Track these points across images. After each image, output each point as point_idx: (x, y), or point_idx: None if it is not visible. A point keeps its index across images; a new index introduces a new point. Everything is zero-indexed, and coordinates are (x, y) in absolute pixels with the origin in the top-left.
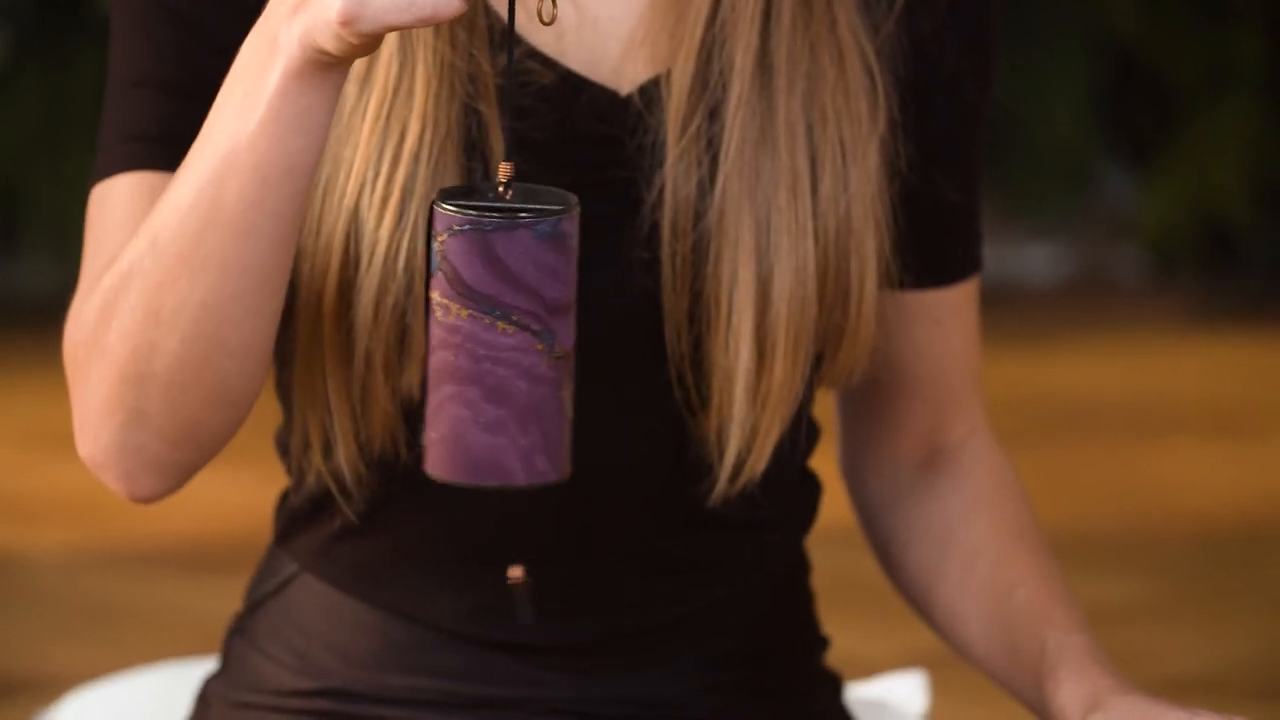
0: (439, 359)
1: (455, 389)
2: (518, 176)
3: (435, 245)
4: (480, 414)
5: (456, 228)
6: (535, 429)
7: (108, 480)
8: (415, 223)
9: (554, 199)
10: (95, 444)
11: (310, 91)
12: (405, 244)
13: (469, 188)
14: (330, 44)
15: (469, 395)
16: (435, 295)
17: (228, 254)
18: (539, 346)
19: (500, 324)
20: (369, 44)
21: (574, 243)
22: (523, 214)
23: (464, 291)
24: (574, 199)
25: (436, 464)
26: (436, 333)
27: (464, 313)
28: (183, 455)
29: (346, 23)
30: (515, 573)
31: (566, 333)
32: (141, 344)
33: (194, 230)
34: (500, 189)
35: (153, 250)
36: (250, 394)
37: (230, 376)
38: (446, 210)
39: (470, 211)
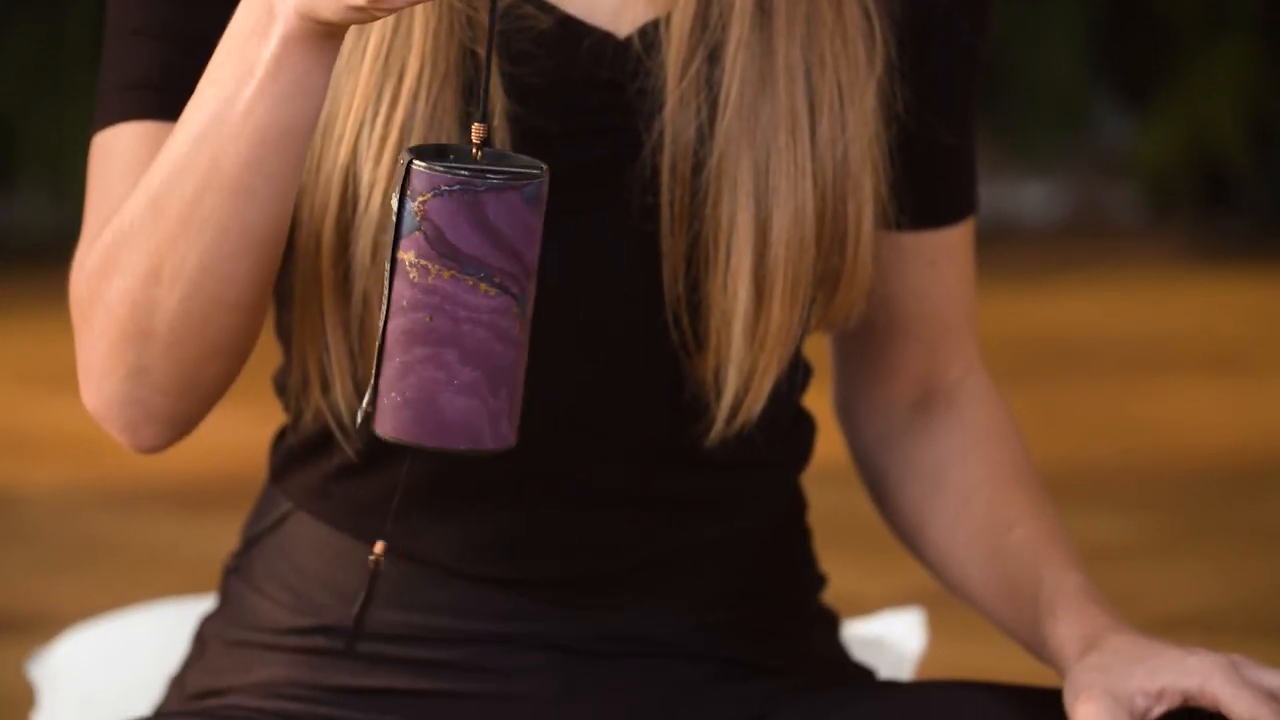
0: (410, 320)
1: (429, 351)
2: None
3: (413, 205)
4: (455, 376)
5: (444, 188)
6: (505, 392)
7: (112, 431)
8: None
9: (522, 164)
10: (99, 397)
11: (307, 58)
12: None
13: (439, 147)
14: (332, 14)
15: (445, 358)
16: (409, 256)
17: (226, 215)
18: (514, 309)
19: (483, 285)
20: (379, 16)
21: (545, 208)
22: (502, 176)
23: (447, 252)
24: (543, 165)
25: (400, 426)
26: (408, 294)
27: (445, 274)
28: (184, 407)
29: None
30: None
31: (532, 297)
32: (141, 301)
33: (192, 192)
34: (475, 151)
35: (151, 210)
36: (249, 344)
37: (230, 331)
38: (431, 170)
39: (462, 171)
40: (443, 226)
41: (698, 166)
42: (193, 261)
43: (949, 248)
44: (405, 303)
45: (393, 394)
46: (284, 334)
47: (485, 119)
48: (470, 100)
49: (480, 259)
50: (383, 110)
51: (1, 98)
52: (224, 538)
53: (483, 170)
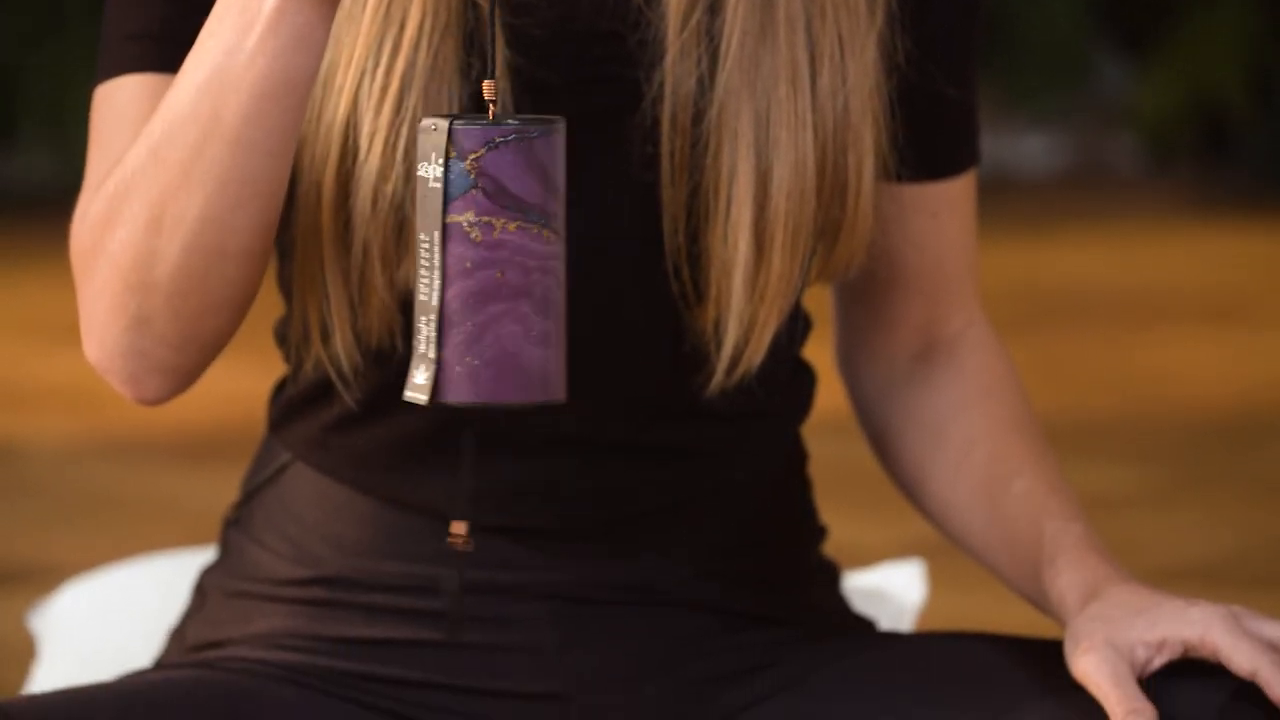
0: (478, 281)
1: (505, 306)
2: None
3: (463, 165)
4: (531, 328)
5: (499, 139)
6: (563, 338)
7: (114, 383)
8: (415, 112)
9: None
10: (101, 349)
11: (308, 9)
12: (404, 133)
13: (454, 116)
14: None
15: (521, 310)
16: (469, 216)
17: (226, 166)
18: (562, 252)
19: (545, 232)
20: None
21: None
22: (541, 122)
23: (511, 204)
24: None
25: (481, 389)
26: (471, 255)
27: (511, 225)
28: (186, 359)
29: None
30: (458, 529)
31: None
32: (143, 253)
33: (193, 143)
34: (491, 108)
35: (153, 160)
36: (250, 296)
37: (231, 282)
38: (480, 126)
39: (509, 122)
40: (502, 179)
41: (698, 117)
42: (194, 212)
43: (950, 199)
44: (468, 264)
45: (467, 359)
46: (284, 285)
47: (492, 75)
48: (471, 50)
49: (541, 206)
50: (383, 60)
51: (3, 51)
52: (224, 489)
53: (523, 120)
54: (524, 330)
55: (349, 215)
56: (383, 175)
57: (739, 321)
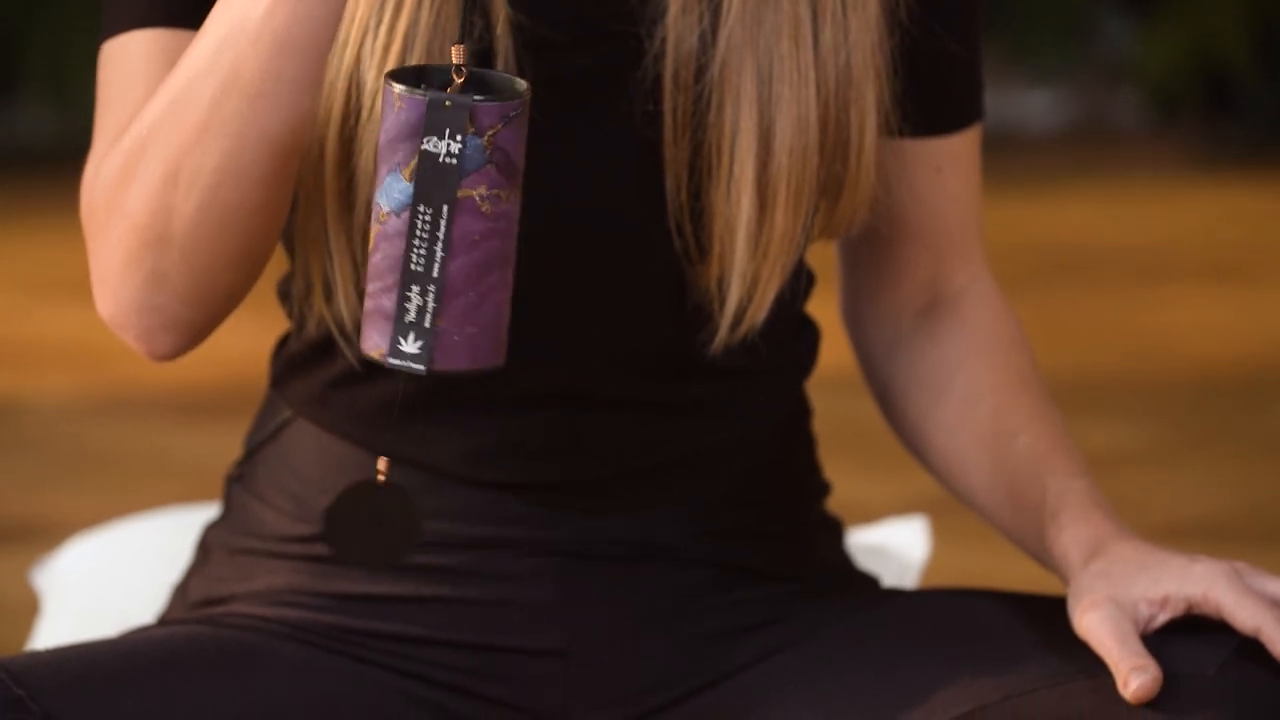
0: (483, 252)
1: (499, 275)
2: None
3: (481, 141)
4: (509, 292)
5: (512, 114)
6: None
7: (127, 339)
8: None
9: (501, 78)
10: (115, 304)
11: None
12: (386, 91)
13: (418, 69)
14: None
15: (507, 276)
16: (479, 190)
17: (244, 120)
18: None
19: (520, 195)
20: None
21: None
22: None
23: (514, 175)
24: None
25: (476, 356)
26: (479, 227)
27: (512, 196)
28: (201, 314)
29: None
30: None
31: None
32: (160, 207)
33: (211, 97)
34: (457, 72)
35: (171, 115)
36: (267, 252)
37: (248, 237)
38: (497, 101)
39: (518, 94)
40: (510, 152)
41: (700, 74)
42: (210, 166)
43: (954, 155)
44: (476, 237)
45: (466, 328)
46: (287, 241)
47: (463, 40)
48: (473, 9)
49: (522, 171)
50: (386, 18)
51: (5, 6)
52: (227, 446)
53: (503, 86)
54: (507, 296)
55: (352, 173)
56: None
57: (742, 278)
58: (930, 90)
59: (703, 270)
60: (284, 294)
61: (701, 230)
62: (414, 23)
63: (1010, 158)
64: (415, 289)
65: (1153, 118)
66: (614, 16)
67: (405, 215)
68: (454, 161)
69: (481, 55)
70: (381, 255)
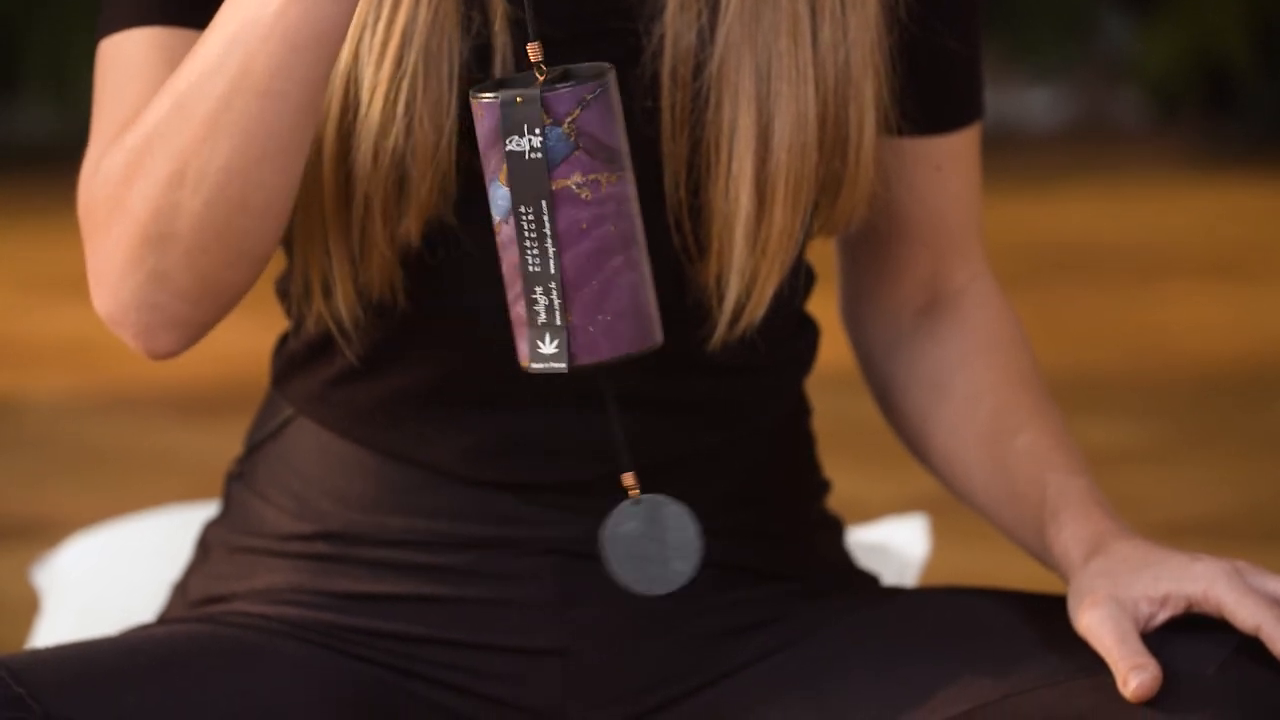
0: (595, 239)
1: (622, 256)
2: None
3: (561, 130)
4: (644, 271)
5: (589, 97)
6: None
7: (125, 337)
8: (415, 66)
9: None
10: (114, 301)
11: None
12: (405, 88)
13: (501, 80)
14: None
15: (634, 256)
16: (574, 179)
17: (253, 118)
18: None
19: (629, 174)
20: None
21: None
22: (601, 72)
23: (609, 157)
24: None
25: (619, 342)
26: (584, 215)
27: (613, 178)
28: (201, 312)
29: None
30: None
31: None
32: (164, 205)
33: (220, 94)
34: (538, 68)
35: (178, 112)
36: (270, 250)
37: (251, 236)
38: (565, 88)
39: (590, 76)
40: (598, 134)
41: (698, 71)
42: (217, 164)
43: (954, 153)
44: (584, 225)
45: (599, 318)
46: (286, 239)
47: (535, 37)
48: (471, 4)
49: (624, 151)
50: (384, 14)
51: (5, 4)
52: (227, 444)
53: (589, 74)
54: (640, 275)
55: (350, 170)
56: (383, 130)
57: (741, 275)
58: (930, 88)
59: (701, 267)
60: (282, 292)
61: (700, 227)
62: (412, 19)
63: (1010, 156)
64: (539, 290)
65: (1153, 116)
66: (612, 13)
67: (512, 220)
68: (539, 155)
69: (479, 52)
70: (506, 266)
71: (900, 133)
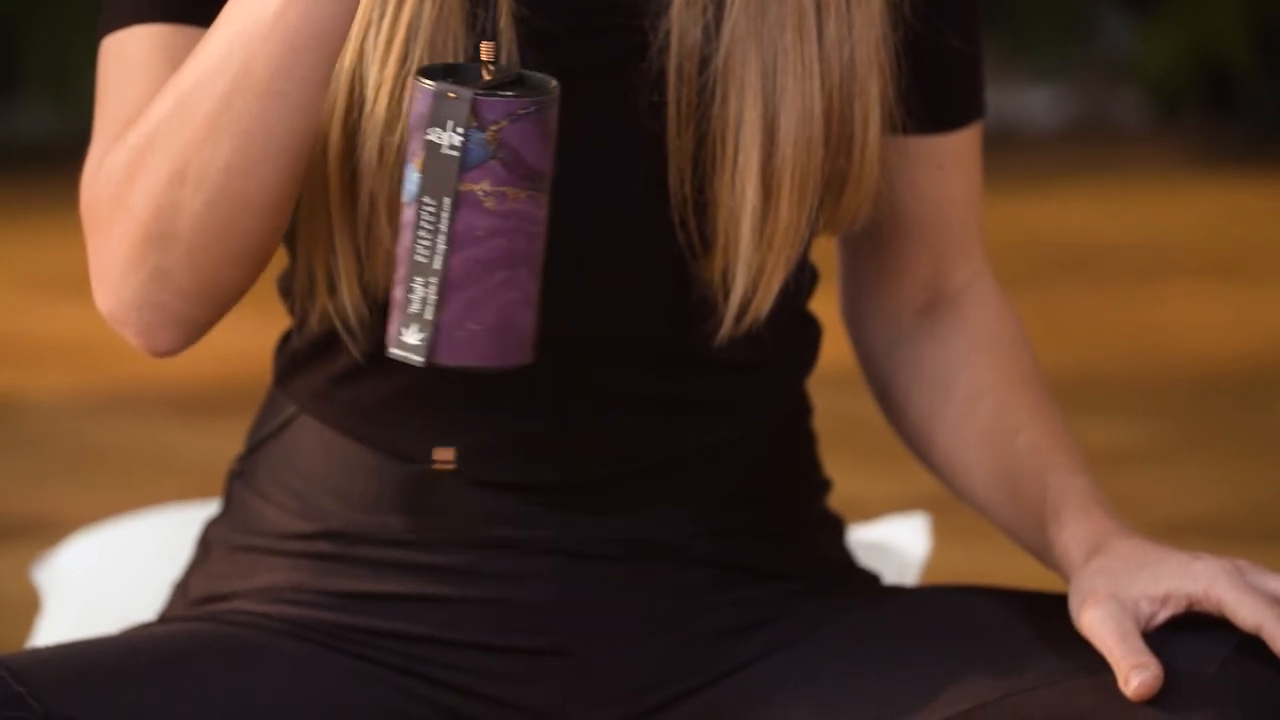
0: (487, 249)
1: (508, 274)
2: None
3: (484, 135)
4: (529, 293)
5: (520, 111)
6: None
7: (127, 335)
8: (421, 64)
9: (535, 77)
10: (116, 300)
11: None
12: (410, 85)
13: (451, 66)
14: None
15: (520, 276)
16: (483, 186)
17: (254, 118)
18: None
19: (543, 197)
20: None
21: None
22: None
23: (525, 174)
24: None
25: (479, 353)
26: (483, 223)
27: (523, 195)
28: (203, 311)
29: None
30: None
31: None
32: (165, 204)
33: (221, 94)
34: (487, 68)
35: (179, 111)
36: (270, 250)
37: (253, 235)
38: (505, 97)
39: (534, 93)
40: (521, 150)
41: (704, 66)
42: (219, 164)
43: (956, 152)
44: (480, 233)
45: (468, 324)
46: (289, 237)
47: (492, 36)
48: (476, 1)
49: (546, 173)
50: (389, 12)
51: (6, 3)
52: (228, 443)
53: (537, 86)
54: (523, 296)
55: (355, 167)
56: (389, 127)
57: (747, 269)
58: (933, 86)
59: (707, 263)
60: (285, 290)
61: (706, 223)
62: (417, 16)
63: (1010, 155)
64: (419, 280)
65: (1153, 115)
66: (617, 9)
67: (414, 206)
68: (455, 154)
69: None
70: (400, 247)
71: (904, 131)
